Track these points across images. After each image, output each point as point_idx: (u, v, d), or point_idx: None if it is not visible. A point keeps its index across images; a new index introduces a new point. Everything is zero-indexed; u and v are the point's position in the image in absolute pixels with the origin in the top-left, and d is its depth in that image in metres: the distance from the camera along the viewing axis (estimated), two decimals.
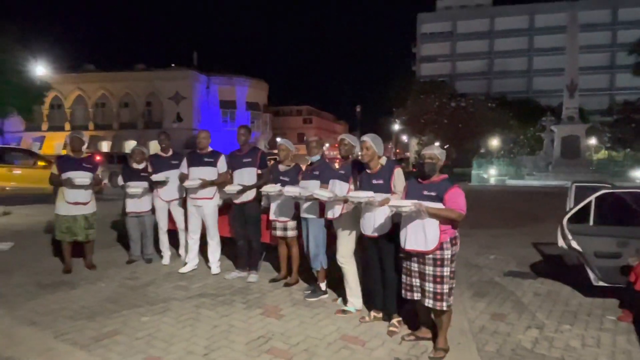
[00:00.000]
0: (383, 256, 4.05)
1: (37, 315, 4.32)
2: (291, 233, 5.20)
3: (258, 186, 5.32)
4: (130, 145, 41.54)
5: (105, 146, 46.79)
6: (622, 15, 57.19)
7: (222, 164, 5.67)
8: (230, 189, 5.30)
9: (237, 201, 5.43)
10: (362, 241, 4.32)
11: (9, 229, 8.86)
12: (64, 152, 31.99)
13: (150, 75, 47.48)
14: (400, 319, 4.05)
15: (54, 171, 5.77)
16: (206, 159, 5.63)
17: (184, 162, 5.74)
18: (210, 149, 5.74)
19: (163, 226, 6.24)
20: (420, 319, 3.84)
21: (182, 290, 5.11)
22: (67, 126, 46.49)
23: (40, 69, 27.01)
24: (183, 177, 5.68)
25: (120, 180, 6.28)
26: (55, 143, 44.05)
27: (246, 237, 5.53)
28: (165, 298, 4.82)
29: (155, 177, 5.95)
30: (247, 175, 5.39)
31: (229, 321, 4.19)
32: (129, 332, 3.94)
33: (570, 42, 30.14)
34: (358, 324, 4.14)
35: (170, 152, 6.25)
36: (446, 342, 3.60)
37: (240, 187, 5.27)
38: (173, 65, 49.91)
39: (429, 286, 3.54)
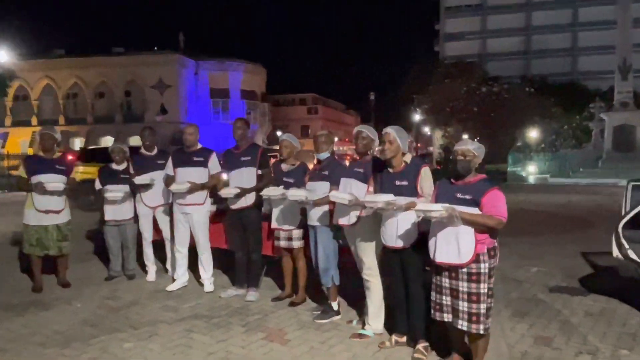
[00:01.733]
0: (408, 270, 4.03)
1: (3, 341, 4.34)
2: (297, 243, 5.20)
3: (258, 189, 5.31)
4: (107, 142, 41.85)
5: (78, 143, 47.13)
6: None
7: (213, 163, 5.69)
8: (226, 192, 5.31)
9: (234, 207, 5.43)
10: (384, 253, 4.30)
11: None
12: (30, 152, 32.19)
13: (130, 60, 47.75)
14: (427, 344, 4.01)
15: (21, 174, 5.80)
16: (195, 158, 5.64)
17: (170, 162, 5.75)
18: (199, 145, 5.76)
19: (147, 237, 6.27)
20: (452, 344, 3.81)
21: (170, 311, 5.11)
22: (34, 120, 46.90)
23: (1, 55, 27.23)
24: (169, 180, 5.69)
25: (97, 184, 6.31)
26: (20, 140, 44.48)
27: (245, 249, 5.54)
28: (152, 321, 4.82)
29: (138, 180, 5.97)
30: (245, 177, 5.38)
31: (226, 347, 4.19)
32: None
33: (622, 14, 29.90)
34: (377, 349, 4.12)
35: (155, 151, 6.27)
36: None
37: (238, 191, 5.27)
38: (156, 48, 50.22)
39: (463, 305, 3.51)
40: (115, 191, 6.06)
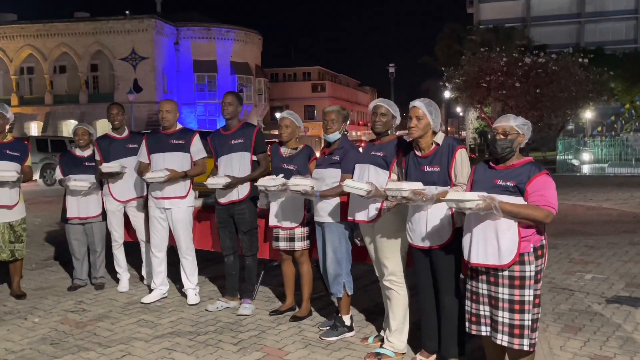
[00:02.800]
0: (438, 276, 4.02)
1: None
2: (299, 244, 5.19)
3: (252, 179, 5.30)
4: (70, 126, 41.98)
5: (34, 128, 47.35)
6: None
7: (196, 146, 5.66)
8: (214, 182, 5.27)
9: (223, 201, 5.43)
10: (409, 255, 4.30)
11: None
12: None
13: (97, 27, 47.94)
14: None
15: None
16: (174, 141, 5.62)
17: (143, 147, 5.72)
18: (179, 126, 5.77)
19: (118, 238, 6.29)
20: None
21: (147, 327, 5.12)
22: None
23: None
24: (143, 168, 5.69)
25: (58, 173, 6.32)
26: None
27: (236, 252, 5.55)
28: (125, 338, 4.83)
29: (106, 167, 5.91)
30: (237, 163, 5.36)
31: None
32: None
33: None
34: None
35: (126, 133, 6.26)
36: None
37: (228, 180, 5.23)
38: (127, 12, 50.17)
39: (504, 316, 3.50)
40: (80, 180, 6.03)
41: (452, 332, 4.01)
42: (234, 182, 5.27)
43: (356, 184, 4.09)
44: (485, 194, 3.34)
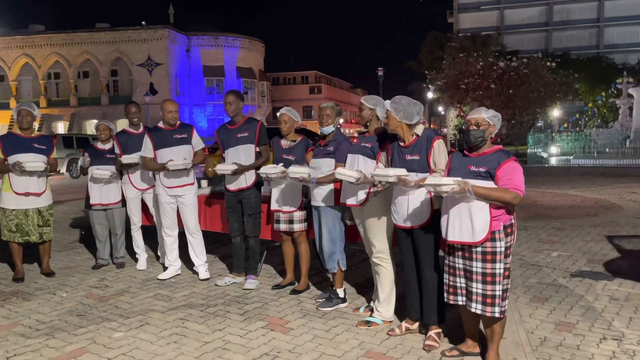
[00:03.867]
0: (419, 252, 4.04)
1: None
2: (298, 226, 5.20)
3: (257, 166, 5.32)
4: (92, 125, 41.85)
5: (60, 127, 47.18)
6: None
7: (196, 139, 5.77)
8: (223, 168, 5.29)
9: (232, 188, 5.44)
10: (395, 234, 4.31)
11: None
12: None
13: (116, 36, 47.69)
14: (440, 330, 4.04)
15: None
16: (178, 136, 5.63)
17: (148, 143, 5.61)
18: (178, 122, 5.79)
19: (137, 221, 6.30)
20: (466, 329, 3.83)
21: (163, 300, 5.14)
22: (13, 103, 46.91)
23: None
24: (147, 162, 5.68)
25: (82, 162, 6.30)
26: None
27: (242, 233, 5.57)
28: (143, 310, 4.85)
29: (125, 159, 5.94)
30: (243, 155, 5.38)
31: (223, 336, 4.21)
32: (98, 351, 3.97)
33: None
34: (386, 337, 4.14)
35: (142, 129, 6.24)
36: (498, 358, 3.60)
37: (235, 167, 5.26)
38: (144, 23, 50.00)
39: (477, 287, 3.52)
40: (102, 169, 6.07)
41: (432, 302, 4.02)
42: (241, 170, 5.30)
43: (347, 172, 4.11)
44: (459, 179, 3.36)
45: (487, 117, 3.52)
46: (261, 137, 5.45)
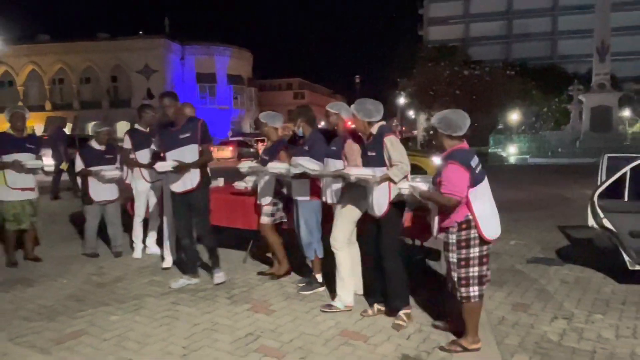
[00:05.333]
0: (383, 239, 4.05)
1: None
2: (264, 219, 5.14)
3: (199, 165, 4.85)
4: (92, 126, 41.27)
5: (64, 127, 46.47)
6: None
7: (203, 134, 4.97)
8: (162, 165, 4.75)
9: (178, 190, 4.92)
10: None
11: None
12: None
13: (115, 45, 47.07)
14: (409, 311, 4.04)
15: None
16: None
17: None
18: (185, 117, 5.11)
19: (141, 214, 6.18)
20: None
21: (156, 286, 5.09)
22: (20, 105, 46.13)
23: None
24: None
25: (79, 164, 6.18)
26: (7, 126, 43.71)
27: (191, 235, 5.15)
28: (138, 295, 4.81)
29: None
30: (187, 156, 4.78)
31: (212, 318, 4.18)
32: (96, 332, 3.93)
33: None
34: (360, 318, 4.14)
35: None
36: (468, 341, 3.56)
37: (176, 164, 4.71)
38: (141, 33, 49.45)
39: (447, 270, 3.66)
40: (110, 171, 6.07)
41: (399, 286, 4.04)
42: (183, 167, 4.74)
43: (306, 163, 4.30)
44: (409, 183, 3.66)
45: (434, 123, 3.62)
46: (203, 135, 4.87)
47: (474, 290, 3.51)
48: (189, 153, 4.79)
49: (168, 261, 5.74)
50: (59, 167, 11.05)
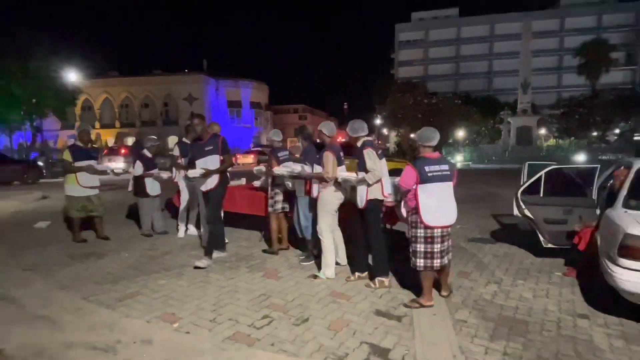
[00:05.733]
0: (366, 224, 4.01)
1: (69, 280, 4.26)
2: (269, 209, 5.12)
3: (220, 171, 4.68)
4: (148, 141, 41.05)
5: (130, 141, 46.21)
6: (568, 24, 56.88)
7: (223, 148, 4.74)
8: (193, 172, 4.64)
9: (203, 189, 4.77)
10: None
11: (47, 210, 8.74)
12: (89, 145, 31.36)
13: (167, 79, 46.86)
14: (382, 279, 3.95)
15: (66, 158, 5.67)
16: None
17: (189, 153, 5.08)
18: (209, 133, 4.81)
19: (186, 204, 6.12)
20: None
21: (194, 258, 5.01)
22: (97, 125, 45.93)
23: (72, 76, 26.66)
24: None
25: (138, 168, 6.08)
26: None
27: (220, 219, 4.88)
28: (180, 265, 4.76)
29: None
30: (210, 163, 4.66)
31: (235, 283, 4.15)
32: (148, 293, 3.89)
33: (524, 47, 30.12)
34: (345, 282, 4.11)
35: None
36: (424, 297, 3.53)
37: (203, 171, 4.59)
38: (186, 70, 49.21)
39: None
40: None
41: (376, 262, 4.00)
42: (207, 173, 4.59)
43: (294, 166, 4.48)
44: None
45: (415, 136, 3.56)
46: (223, 148, 4.67)
47: (419, 262, 3.48)
48: (211, 162, 4.63)
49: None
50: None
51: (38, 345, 2.91)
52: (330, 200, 4.17)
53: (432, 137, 3.52)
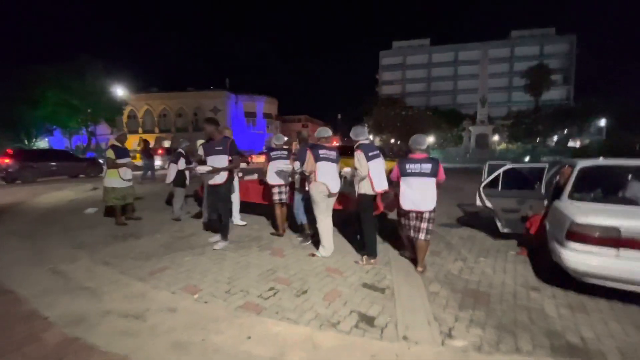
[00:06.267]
0: (361, 210, 3.84)
1: (110, 257, 4.09)
2: (272, 198, 4.94)
3: (228, 169, 4.36)
4: (183, 143, 40.79)
5: (166, 144, 46.02)
6: (517, 52, 56.57)
7: (232, 149, 4.41)
8: (202, 169, 4.34)
9: (211, 183, 4.45)
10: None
11: (95, 199, 8.53)
12: (131, 148, 30.82)
13: (197, 94, 46.44)
14: (370, 258, 3.80)
15: (110, 156, 5.51)
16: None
17: (201, 150, 4.71)
18: (220, 136, 4.49)
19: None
20: None
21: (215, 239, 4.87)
22: (140, 130, 45.51)
23: (120, 91, 26.61)
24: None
25: (181, 164, 6.06)
26: (133, 142, 43.31)
27: (217, 213, 4.54)
28: (203, 244, 4.60)
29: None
30: (218, 161, 4.35)
31: (247, 259, 4.00)
32: (175, 267, 3.74)
33: (482, 70, 29.88)
34: (337, 260, 3.95)
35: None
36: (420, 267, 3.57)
37: (210, 168, 4.30)
38: (212, 87, 48.73)
39: None
40: (203, 167, 5.79)
41: (366, 243, 3.84)
42: (214, 170, 4.30)
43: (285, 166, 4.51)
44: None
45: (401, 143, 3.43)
46: (232, 149, 4.35)
47: (403, 234, 3.57)
48: (219, 161, 4.29)
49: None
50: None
51: (78, 313, 2.75)
52: (314, 192, 3.96)
53: (421, 142, 3.56)
